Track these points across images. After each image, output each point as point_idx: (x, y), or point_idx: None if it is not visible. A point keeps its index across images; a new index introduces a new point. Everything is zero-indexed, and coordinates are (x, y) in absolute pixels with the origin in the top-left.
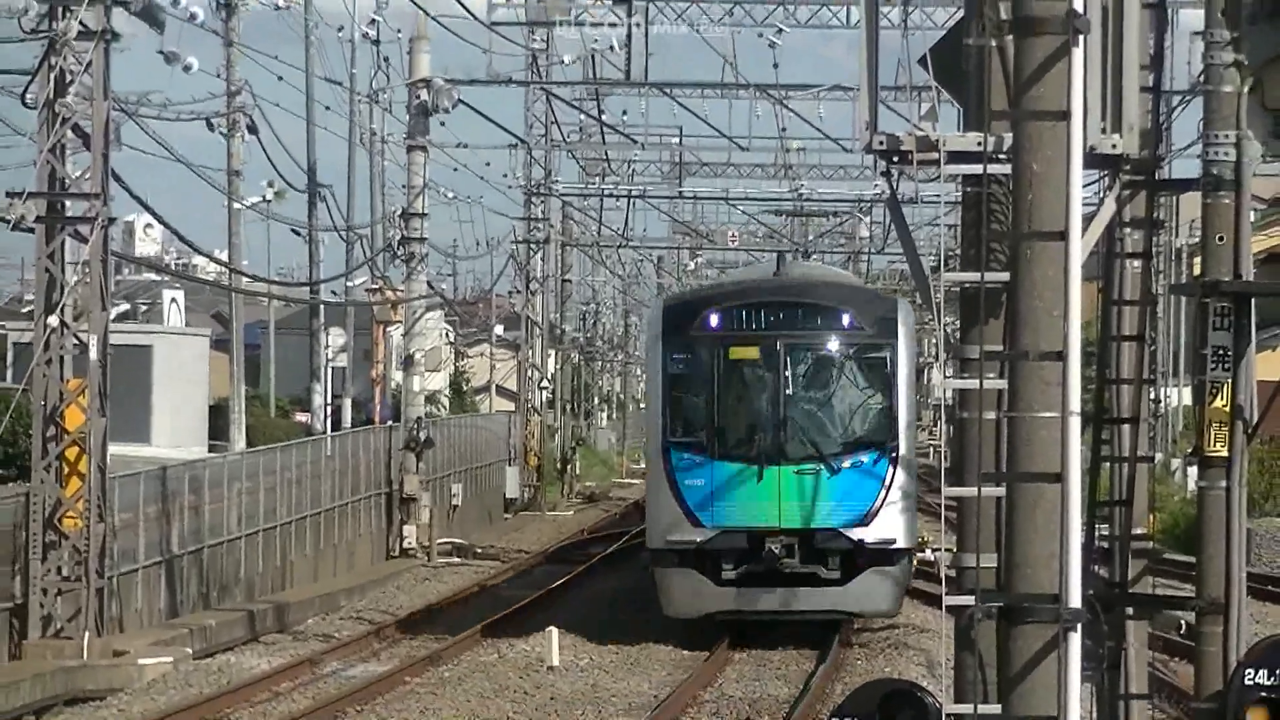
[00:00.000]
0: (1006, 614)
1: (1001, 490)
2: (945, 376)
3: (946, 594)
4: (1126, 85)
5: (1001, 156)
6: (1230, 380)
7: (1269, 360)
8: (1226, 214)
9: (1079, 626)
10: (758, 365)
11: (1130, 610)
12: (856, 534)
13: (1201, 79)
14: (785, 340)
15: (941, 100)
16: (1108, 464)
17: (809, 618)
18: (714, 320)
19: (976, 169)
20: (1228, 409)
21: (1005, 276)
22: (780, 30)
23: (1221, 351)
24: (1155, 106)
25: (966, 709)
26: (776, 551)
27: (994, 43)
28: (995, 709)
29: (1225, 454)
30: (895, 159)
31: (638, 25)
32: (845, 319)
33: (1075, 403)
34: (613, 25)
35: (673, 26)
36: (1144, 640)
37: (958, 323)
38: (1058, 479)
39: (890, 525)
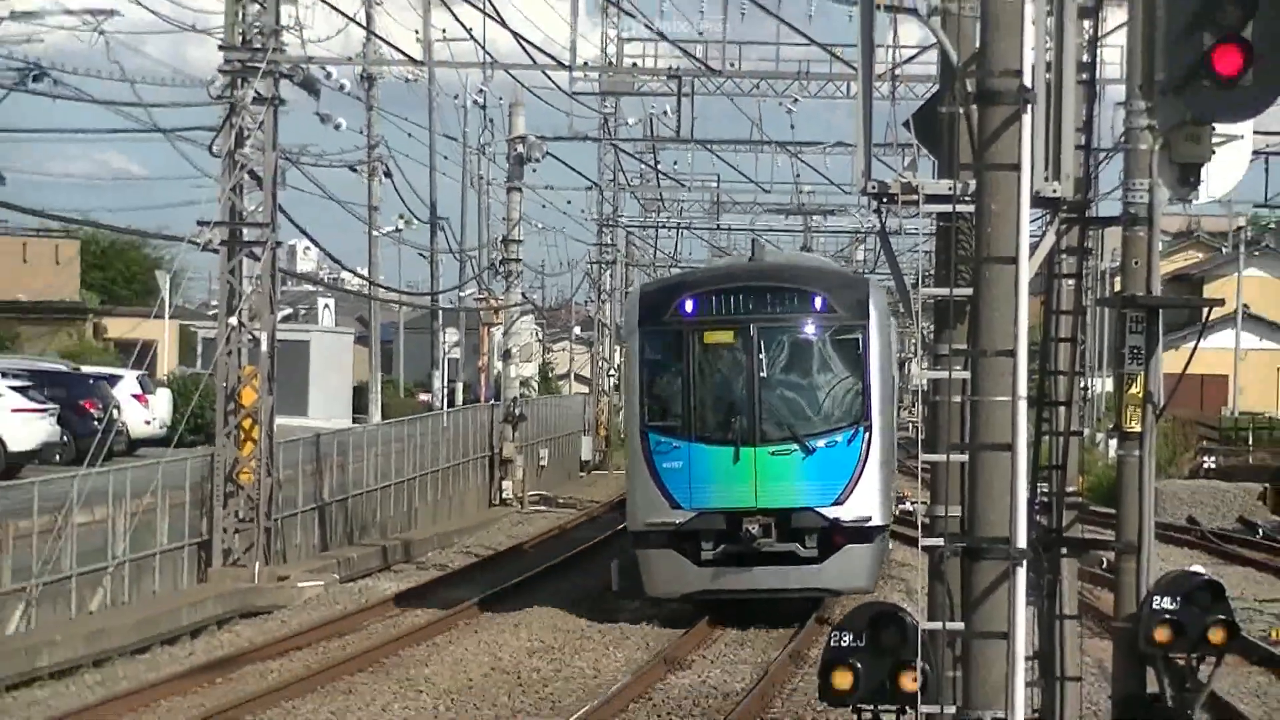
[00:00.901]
0: (968, 552)
1: (965, 457)
2: (922, 369)
3: (922, 537)
4: (1064, 144)
5: (967, 199)
6: (1143, 373)
7: (1172, 358)
8: (1141, 244)
9: (1024, 562)
10: (732, 349)
11: (1064, 550)
12: (832, 512)
13: (1123, 139)
14: (759, 324)
15: (920, 155)
16: (1047, 437)
17: (787, 596)
18: (689, 306)
19: (947, 208)
20: (1140, 395)
21: (969, 292)
22: (796, 100)
23: (1136, 350)
24: (1086, 160)
25: (936, 626)
26: (754, 532)
27: (962, 111)
28: (959, 626)
29: (1138, 430)
30: (885, 200)
31: (685, 95)
32: (817, 301)
33: (1022, 389)
34: (666, 95)
35: (712, 97)
36: (1075, 574)
37: (932, 327)
38: (1008, 449)
39: (865, 503)
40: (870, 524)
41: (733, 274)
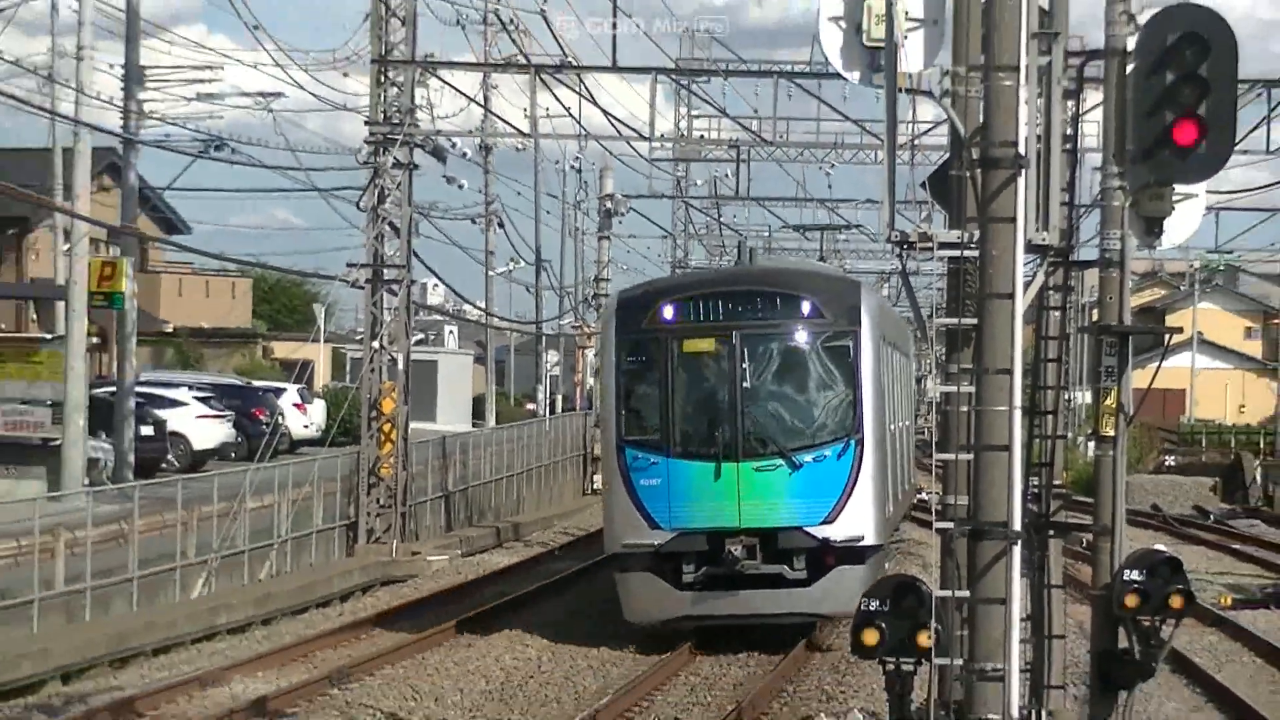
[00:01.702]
0: (973, 534)
1: (970, 456)
2: (936, 384)
3: (935, 521)
4: (1052, 201)
5: (972, 245)
6: (1116, 388)
7: (1139, 375)
8: (1114, 283)
9: (1019, 542)
10: (713, 358)
11: (1051, 532)
12: (821, 532)
13: (1099, 197)
14: (741, 330)
15: (934, 210)
16: (1037, 440)
17: (774, 621)
18: (668, 312)
19: (956, 253)
20: (1114, 406)
21: (974, 321)
22: (833, 165)
23: (1110, 369)
24: (1070, 214)
25: (947, 594)
26: (737, 553)
27: (968, 174)
28: (965, 594)
29: (1112, 434)
30: (906, 246)
31: (743, 161)
32: (805, 306)
33: (1018, 401)
34: (727, 161)
35: (765, 163)
36: (1060, 551)
37: (944, 349)
38: (1006, 449)
39: (857, 521)
40: (863, 543)
41: (715, 278)
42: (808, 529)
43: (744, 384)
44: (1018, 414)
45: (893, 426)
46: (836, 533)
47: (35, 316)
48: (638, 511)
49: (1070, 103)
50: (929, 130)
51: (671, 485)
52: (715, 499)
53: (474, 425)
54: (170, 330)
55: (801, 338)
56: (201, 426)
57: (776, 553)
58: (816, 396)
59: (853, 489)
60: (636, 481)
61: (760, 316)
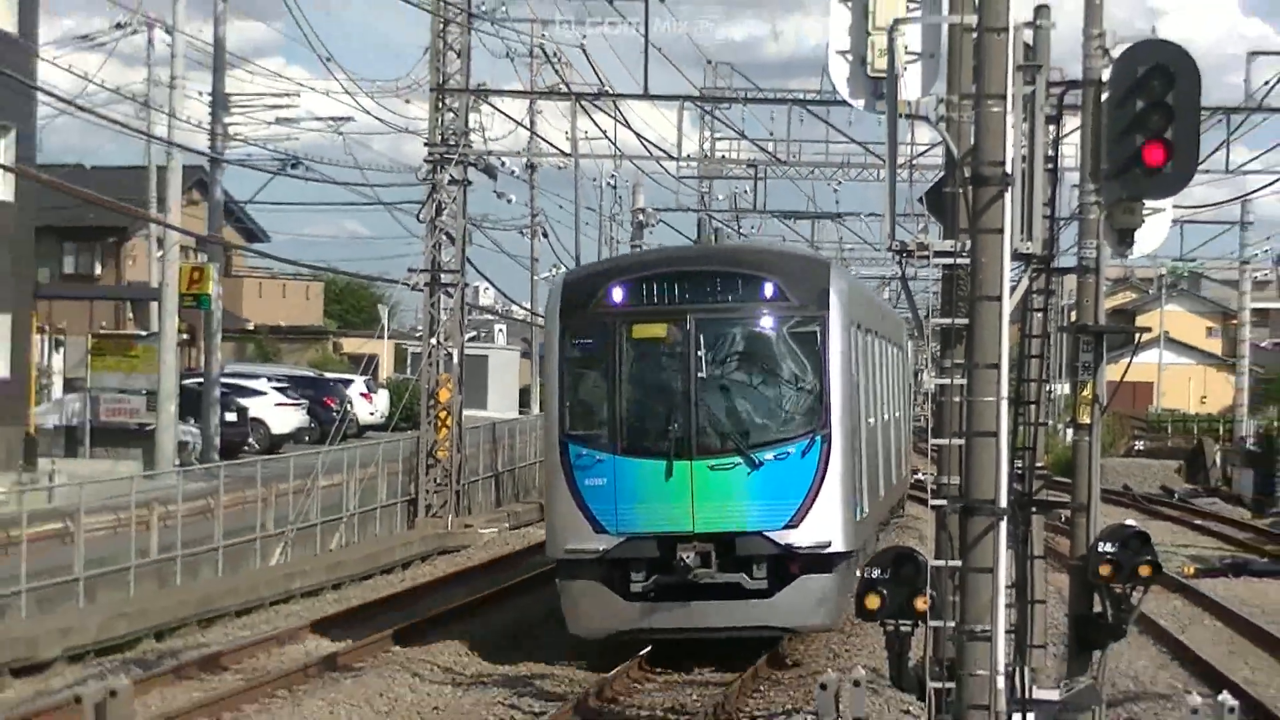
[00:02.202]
0: (964, 510)
1: (962, 441)
2: (931, 377)
3: (931, 499)
4: (1035, 214)
5: (964, 254)
6: (1091, 381)
7: (1112, 370)
8: (1090, 287)
9: (1005, 517)
10: (665, 344)
11: (1034, 509)
12: (784, 537)
13: (1077, 210)
14: (697, 315)
15: (931, 221)
16: (1022, 427)
17: (732, 635)
18: (617, 295)
19: (950, 261)
20: (1090, 397)
21: (966, 321)
22: (840, 182)
23: (1086, 364)
24: (1051, 226)
25: (940, 563)
26: (689, 561)
27: (960, 190)
28: (957, 563)
29: (1088, 422)
30: (905, 254)
31: (760, 179)
32: (767, 288)
33: (1004, 392)
34: (746, 179)
35: (780, 180)
36: (1041, 526)
37: (939, 346)
38: (994, 435)
39: (824, 526)
40: (829, 550)
41: (669, 257)
42: (769, 534)
43: (699, 373)
44: (1004, 404)
45: (872, 419)
46: (800, 538)
47: (132, 315)
48: (581, 514)
49: (1051, 127)
50: (926, 151)
51: (618, 485)
52: (666, 501)
53: (520, 413)
54: (251, 328)
55: (763, 322)
56: (279, 413)
57: (734, 560)
58: (780, 387)
59: (819, 490)
60: (580, 481)
61: (718, 299)
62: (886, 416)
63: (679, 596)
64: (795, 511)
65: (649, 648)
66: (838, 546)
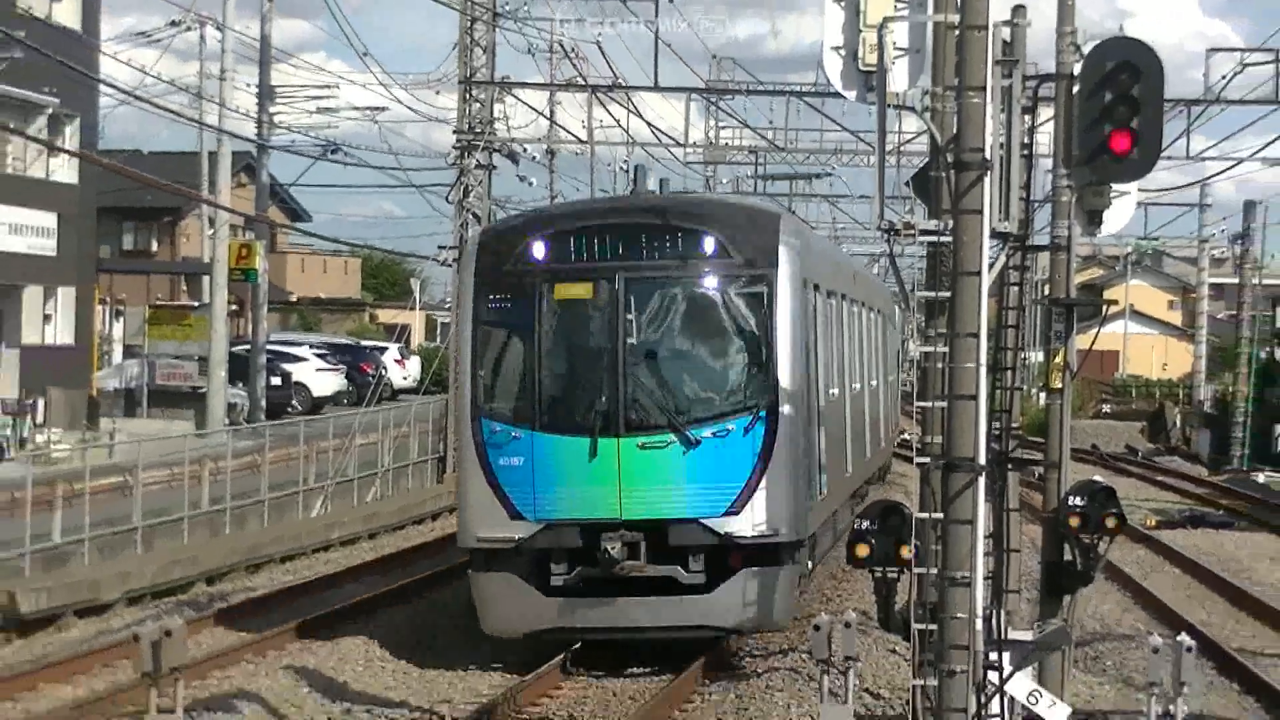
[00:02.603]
0: (947, 466)
1: (944, 404)
2: (917, 346)
3: (915, 457)
4: (1011, 196)
5: (947, 233)
6: (1063, 349)
7: (1082, 339)
8: (1061, 264)
9: (983, 474)
10: (591, 307)
11: (1010, 466)
12: (723, 525)
13: (1051, 193)
14: (627, 273)
15: (917, 203)
16: (999, 391)
17: (665, 635)
18: (538, 251)
19: (934, 239)
20: (1061, 364)
21: (948, 294)
22: (834, 167)
23: (1058, 334)
24: (1027, 207)
25: (924, 515)
26: (615, 552)
27: (944, 174)
28: (939, 515)
29: (1060, 387)
30: (893, 233)
31: (760, 164)
32: (708, 243)
33: (983, 359)
34: (747, 164)
35: (779, 165)
36: (1017, 481)
37: (924, 317)
38: (973, 399)
39: (770, 512)
40: (776, 540)
41: (598, 209)
42: (706, 522)
43: (628, 339)
44: (983, 370)
45: (836, 390)
46: (743, 526)
47: (185, 288)
48: (496, 498)
49: (1027, 117)
50: (912, 139)
51: (537, 466)
52: (591, 484)
53: None
54: (294, 300)
55: (702, 282)
56: (319, 378)
57: (667, 551)
58: (720, 356)
59: (764, 471)
60: (494, 461)
61: (651, 256)
62: (860, 385)
63: (605, 592)
64: (737, 496)
65: (577, 645)
66: (786, 535)
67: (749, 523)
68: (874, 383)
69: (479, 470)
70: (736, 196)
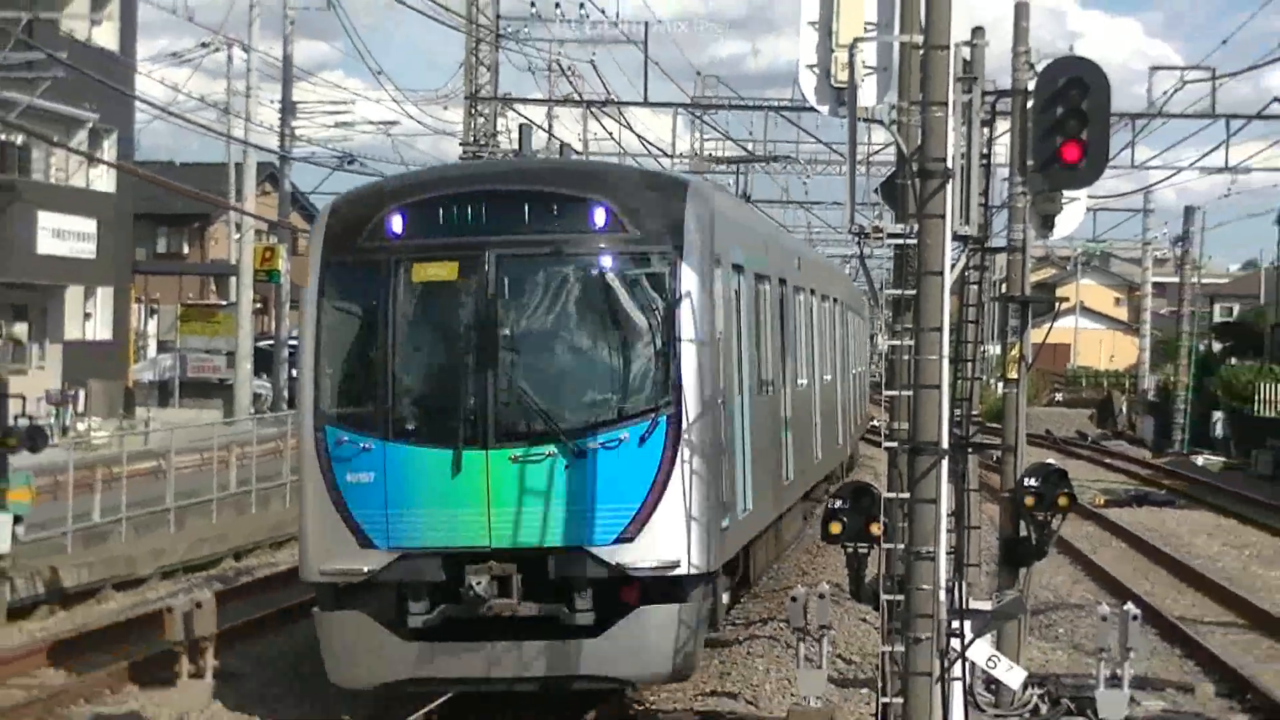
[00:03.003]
0: (912, 450)
1: (910, 392)
2: (885, 339)
3: (884, 442)
4: (971, 202)
5: (913, 236)
6: (1018, 342)
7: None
8: (1017, 264)
9: (946, 457)
10: (457, 291)
11: (970, 450)
12: (615, 554)
13: (1007, 199)
14: (500, 250)
15: (885, 209)
16: (960, 381)
17: (546, 685)
18: (396, 224)
19: (900, 241)
20: (1017, 356)
21: (914, 292)
22: (810, 176)
23: (1014, 328)
24: (985, 212)
25: (892, 495)
26: (481, 588)
27: (910, 182)
28: (905, 495)
29: (1016, 377)
30: (863, 236)
31: (742, 174)
32: (598, 215)
33: (945, 352)
34: (729, 174)
35: (759, 174)
36: (977, 464)
37: (891, 313)
38: (936, 388)
39: (672, 538)
40: (680, 571)
41: (468, 174)
42: (595, 550)
43: (501, 330)
44: (945, 362)
45: (770, 387)
46: (638, 556)
47: (214, 288)
48: (343, 522)
49: (985, 129)
50: (880, 150)
51: (391, 483)
52: (455, 505)
53: None
54: None
55: (591, 260)
56: None
57: (547, 586)
58: (612, 349)
59: (665, 488)
60: (341, 477)
61: (531, 230)
62: (809, 380)
63: (472, 635)
64: (632, 518)
65: (446, 696)
66: (692, 566)
67: (647, 551)
68: (828, 376)
69: (322, 488)
70: (641, 168)
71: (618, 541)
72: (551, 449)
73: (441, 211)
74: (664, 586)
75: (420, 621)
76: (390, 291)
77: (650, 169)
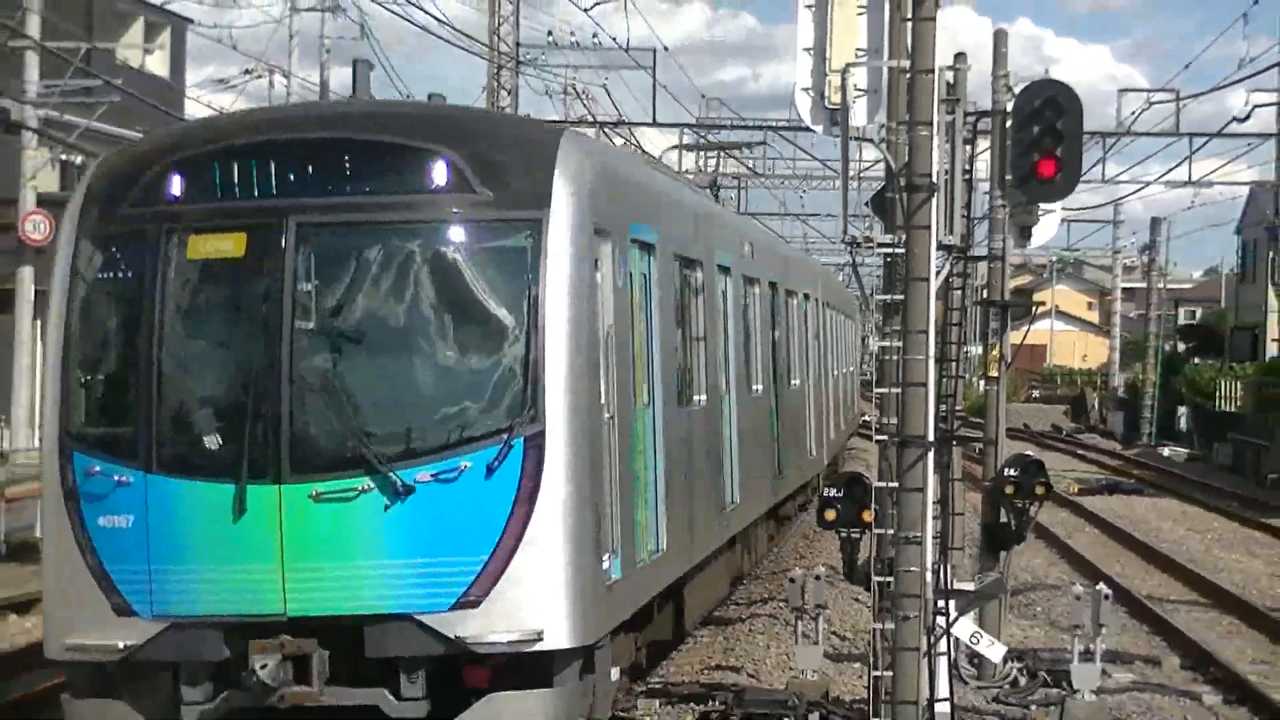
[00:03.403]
0: (901, 443)
1: (899, 390)
2: (875, 341)
3: (875, 434)
4: (955, 214)
5: (901, 245)
6: (999, 343)
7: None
8: (997, 271)
9: (932, 449)
10: (246, 272)
11: (954, 442)
12: (455, 625)
13: (988, 211)
14: (303, 218)
15: (875, 220)
16: (945, 379)
17: None
18: (173, 185)
19: (889, 250)
20: (997, 356)
21: (902, 297)
22: (805, 190)
23: (994, 330)
24: (968, 223)
25: (882, 484)
26: (267, 673)
27: (898, 195)
28: (895, 484)
29: (996, 375)
30: (856, 245)
31: (743, 189)
32: (437, 172)
33: (931, 352)
34: (733, 188)
35: (759, 189)
36: (960, 455)
37: (882, 316)
38: (923, 385)
39: (534, 600)
40: (547, 645)
41: (270, 120)
42: (426, 619)
43: (303, 324)
44: (931, 361)
45: (701, 397)
46: (486, 626)
47: None
48: (95, 581)
49: (967, 147)
50: (871, 166)
51: (155, 529)
52: (238, 558)
53: None
54: None
55: (425, 230)
56: None
57: (363, 667)
58: (451, 349)
59: (522, 534)
60: (92, 520)
61: (345, 191)
62: (764, 386)
63: None
64: (476, 576)
65: None
66: (562, 637)
67: (499, 618)
68: (796, 381)
69: (68, 535)
70: (503, 113)
71: (458, 606)
72: (367, 482)
73: (229, 167)
74: (524, 666)
75: (196, 715)
76: (159, 272)
77: (514, 116)
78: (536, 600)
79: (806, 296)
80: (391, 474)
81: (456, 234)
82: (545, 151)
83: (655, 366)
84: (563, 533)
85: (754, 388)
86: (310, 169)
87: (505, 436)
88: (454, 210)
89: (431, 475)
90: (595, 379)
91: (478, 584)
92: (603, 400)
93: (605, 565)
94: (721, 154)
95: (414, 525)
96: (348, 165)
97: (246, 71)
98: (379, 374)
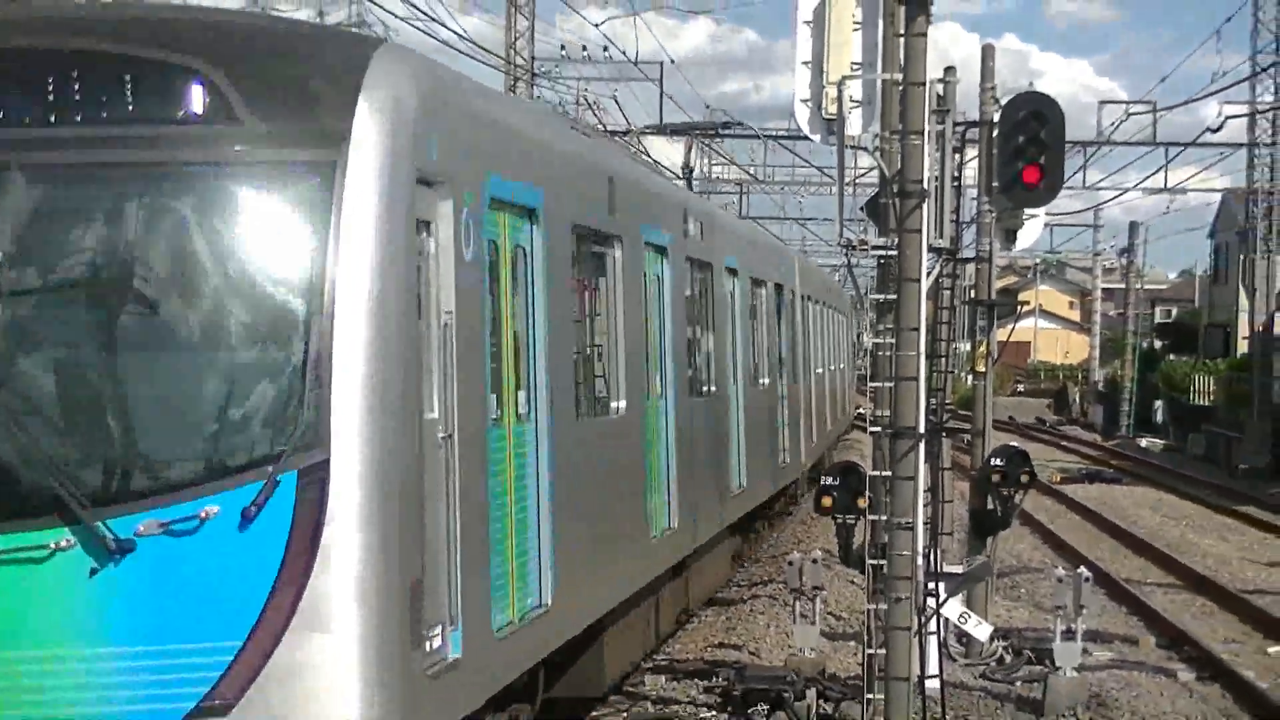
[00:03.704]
0: (894, 434)
1: (892, 384)
2: (869, 338)
3: (869, 426)
4: (944, 218)
5: (894, 247)
6: (985, 340)
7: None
8: (984, 272)
9: (923, 440)
10: None
11: (944, 433)
12: None
13: (976, 216)
14: (9, 155)
15: (870, 224)
16: (935, 374)
17: None
18: None
19: (883, 253)
20: (984, 352)
21: (895, 296)
22: (804, 195)
23: (982, 328)
24: (957, 226)
25: (876, 473)
26: None
27: (891, 201)
28: (888, 473)
29: (984, 370)
30: (852, 248)
31: (745, 194)
32: (193, 95)
33: (922, 348)
34: (734, 194)
35: (760, 194)
36: (949, 446)
37: (876, 315)
38: (915, 379)
39: (315, 696)
40: None
41: (32, 23)
42: None
43: None
44: (922, 357)
45: (620, 404)
46: None
47: None
48: None
49: (956, 155)
50: (865, 173)
51: None
52: None
53: None
54: None
55: (169, 177)
56: None
57: None
58: (196, 345)
59: (295, 605)
60: None
61: (63, 121)
62: (715, 386)
63: None
64: (224, 673)
65: None
66: None
67: None
68: (765, 380)
69: None
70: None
71: (200, 714)
72: (64, 536)
73: None
74: None
75: None
76: None
77: (322, 25)
78: (314, 705)
79: (779, 287)
80: (99, 524)
81: (209, 181)
82: (348, 71)
83: (538, 363)
84: (355, 605)
85: (706, 389)
86: (19, 91)
87: (270, 469)
88: (208, 148)
89: (159, 525)
90: (416, 385)
91: (225, 682)
92: (434, 414)
93: (434, 644)
94: (697, 142)
95: (132, 598)
96: (72, 87)
97: None
98: (83, 380)
